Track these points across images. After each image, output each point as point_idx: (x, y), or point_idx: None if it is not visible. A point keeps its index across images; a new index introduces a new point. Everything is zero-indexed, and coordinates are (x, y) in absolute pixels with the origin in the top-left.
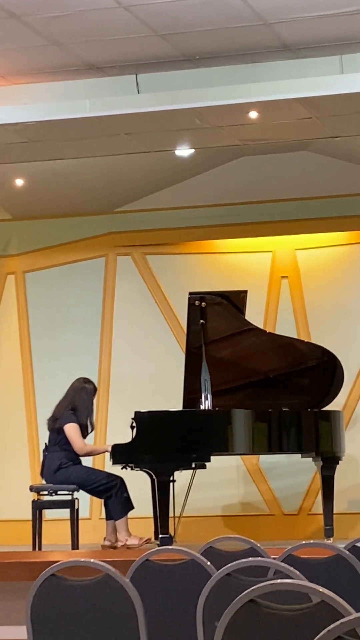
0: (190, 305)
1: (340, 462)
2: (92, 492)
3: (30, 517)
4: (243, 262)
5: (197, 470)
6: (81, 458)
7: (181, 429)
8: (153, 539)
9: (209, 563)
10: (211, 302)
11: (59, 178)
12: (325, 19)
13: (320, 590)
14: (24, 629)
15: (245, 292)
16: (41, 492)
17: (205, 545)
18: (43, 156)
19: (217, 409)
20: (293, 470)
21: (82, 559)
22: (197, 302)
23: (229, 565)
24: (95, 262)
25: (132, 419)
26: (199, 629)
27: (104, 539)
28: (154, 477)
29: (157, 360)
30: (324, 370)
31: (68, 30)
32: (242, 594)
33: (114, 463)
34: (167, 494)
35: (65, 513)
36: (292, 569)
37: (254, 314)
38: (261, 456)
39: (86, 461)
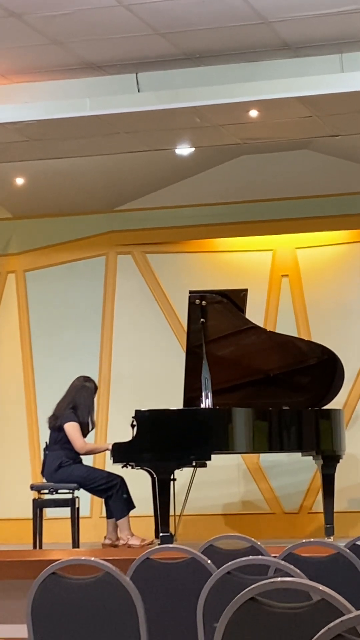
0: (191, 303)
1: (340, 460)
2: (93, 491)
3: (30, 515)
4: (243, 261)
5: (198, 469)
6: (82, 457)
7: (182, 428)
8: (154, 539)
9: (209, 561)
10: (211, 301)
11: (59, 177)
12: (325, 17)
13: (321, 588)
14: (25, 627)
15: (246, 290)
16: (42, 491)
17: (205, 544)
18: (43, 155)
19: (217, 407)
20: (294, 469)
21: (83, 558)
22: (197, 301)
23: (230, 563)
24: (96, 260)
25: (133, 417)
26: (199, 627)
27: (105, 537)
28: (155, 475)
29: (158, 358)
30: (324, 368)
31: (68, 29)
32: (243, 592)
33: (114, 462)
34: (167, 493)
35: (66, 512)
36: (292, 567)
37: (255, 313)
38: (262, 455)
39: (87, 460)
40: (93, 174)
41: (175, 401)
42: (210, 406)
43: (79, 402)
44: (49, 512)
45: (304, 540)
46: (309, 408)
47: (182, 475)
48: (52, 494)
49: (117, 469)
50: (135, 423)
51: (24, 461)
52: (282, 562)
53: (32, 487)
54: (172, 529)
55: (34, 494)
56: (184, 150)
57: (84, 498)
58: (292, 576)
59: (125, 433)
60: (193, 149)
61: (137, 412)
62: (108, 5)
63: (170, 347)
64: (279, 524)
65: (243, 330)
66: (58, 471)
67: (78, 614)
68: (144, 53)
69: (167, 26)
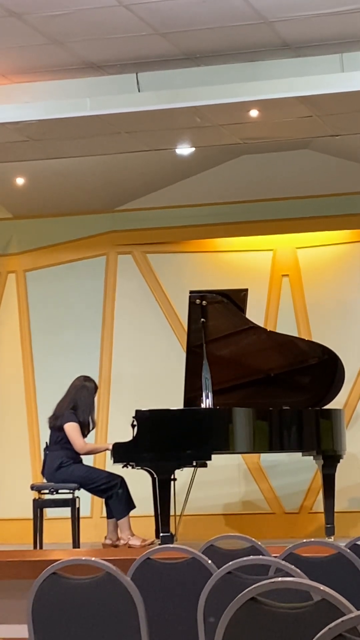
0: (191, 303)
1: (341, 460)
2: (93, 491)
3: (31, 515)
4: (244, 261)
5: (198, 469)
6: (82, 457)
7: (182, 428)
8: (155, 539)
9: (210, 561)
10: (212, 301)
11: (59, 177)
12: (325, 17)
13: (321, 588)
14: (25, 627)
15: (246, 290)
16: (42, 491)
17: (206, 544)
18: (44, 155)
19: (218, 407)
20: (294, 469)
21: (83, 558)
22: (197, 301)
23: (230, 563)
24: (96, 260)
25: (133, 417)
26: (199, 627)
27: (105, 537)
28: (155, 475)
29: (158, 358)
30: (324, 368)
31: (68, 29)
32: (243, 592)
33: (114, 462)
34: (168, 493)
35: (66, 512)
36: (293, 567)
37: (255, 313)
38: (262, 454)
39: (87, 460)
40: (93, 174)
41: (175, 401)
42: (210, 406)
43: (79, 402)
44: (49, 512)
45: (304, 540)
46: (310, 408)
47: (182, 475)
48: (52, 494)
49: (117, 469)
50: (135, 423)
51: (24, 461)
52: (283, 562)
53: (33, 487)
54: (172, 529)
55: (34, 494)
56: (184, 150)
57: (85, 498)
58: (292, 576)
59: (125, 433)
60: (193, 149)
61: (137, 412)
62: (108, 5)
63: (170, 347)
64: (280, 524)
65: (243, 330)
66: (58, 471)
67: (78, 614)
68: (144, 53)
69: (167, 26)
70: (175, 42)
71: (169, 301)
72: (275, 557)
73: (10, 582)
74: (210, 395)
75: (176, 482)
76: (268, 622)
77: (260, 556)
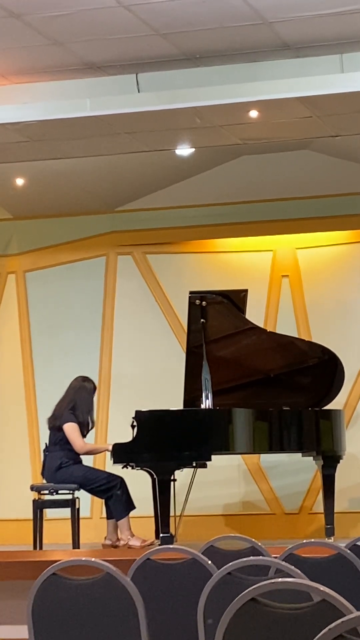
0: (191, 304)
1: (341, 461)
2: (93, 491)
3: (31, 516)
4: (244, 261)
5: (198, 469)
6: (82, 457)
7: (182, 428)
8: (155, 540)
9: (210, 562)
10: (212, 301)
11: (59, 177)
12: (325, 17)
13: (321, 589)
14: (25, 628)
15: (246, 291)
16: (42, 492)
17: (206, 544)
18: (44, 155)
19: (217, 408)
20: (294, 469)
21: (83, 558)
22: (197, 301)
23: (230, 564)
24: (96, 261)
25: (133, 418)
26: (199, 627)
27: (105, 538)
28: (155, 476)
29: (158, 359)
30: (324, 369)
31: (68, 30)
32: (243, 592)
33: (114, 462)
34: (167, 493)
35: (66, 512)
36: (293, 567)
37: (255, 313)
38: (262, 455)
39: (87, 460)
40: (93, 174)
41: (175, 401)
42: (210, 406)
43: (78, 402)
44: (49, 512)
45: (304, 541)
46: (310, 408)
47: (182, 476)
48: (52, 494)
49: (117, 469)
50: (135, 423)
51: (24, 462)
52: (283, 563)
53: (32, 488)
54: (172, 530)
55: (34, 495)
56: (184, 150)
57: (84, 498)
58: (292, 577)
59: (125, 433)
60: (193, 150)
61: (137, 412)
62: (108, 6)
63: (170, 348)
64: (280, 525)
65: (243, 330)
66: (58, 472)
67: (78, 614)
68: (144, 53)
69: (167, 26)
70: (175, 42)
71: (169, 302)
72: (275, 557)
73: (10, 582)
74: (210, 395)
75: (176, 482)
76: (268, 622)
77: (260, 557)
